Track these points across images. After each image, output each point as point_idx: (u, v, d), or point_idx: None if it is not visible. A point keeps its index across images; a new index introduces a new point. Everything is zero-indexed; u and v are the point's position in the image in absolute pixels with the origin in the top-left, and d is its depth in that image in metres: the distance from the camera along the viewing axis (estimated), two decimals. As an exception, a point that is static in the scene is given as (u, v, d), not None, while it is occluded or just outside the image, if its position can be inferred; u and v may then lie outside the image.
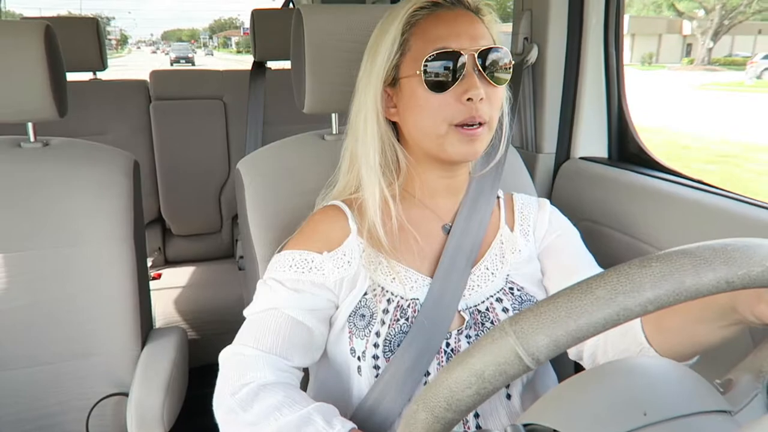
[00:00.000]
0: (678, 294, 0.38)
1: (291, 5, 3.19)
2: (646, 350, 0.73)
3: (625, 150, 1.36)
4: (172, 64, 34.58)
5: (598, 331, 0.39)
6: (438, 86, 0.76)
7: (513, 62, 0.80)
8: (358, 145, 0.83)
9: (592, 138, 1.38)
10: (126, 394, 1.08)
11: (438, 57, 0.75)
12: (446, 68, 0.75)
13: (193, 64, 35.43)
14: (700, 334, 0.67)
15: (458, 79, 0.75)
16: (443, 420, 0.43)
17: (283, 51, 2.06)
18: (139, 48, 67.28)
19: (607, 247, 0.88)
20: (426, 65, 0.76)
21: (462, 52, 0.75)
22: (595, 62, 1.33)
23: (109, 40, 71.79)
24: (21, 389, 1.10)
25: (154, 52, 64.04)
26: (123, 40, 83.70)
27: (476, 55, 0.76)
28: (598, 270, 0.86)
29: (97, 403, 1.10)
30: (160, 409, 1.02)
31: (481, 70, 0.76)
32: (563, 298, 0.40)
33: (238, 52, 68.52)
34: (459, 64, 0.75)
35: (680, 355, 0.71)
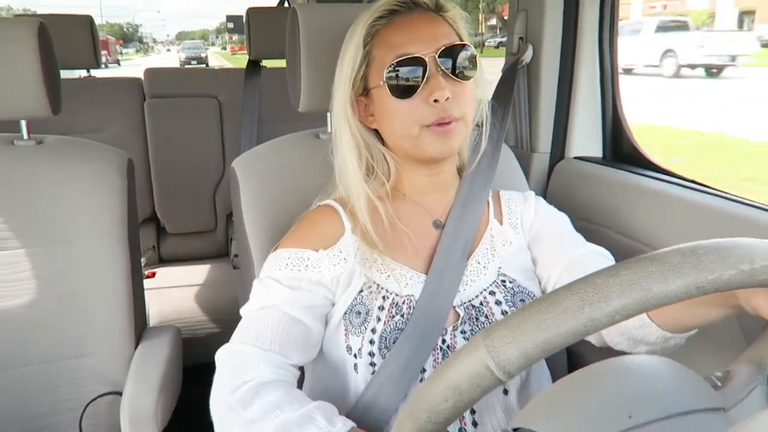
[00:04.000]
0: (645, 302, 0.38)
1: (286, 4, 3.18)
2: (646, 325, 0.74)
3: (620, 150, 1.36)
4: (182, 66, 27.75)
5: (568, 342, 0.40)
6: (403, 93, 0.77)
7: (477, 55, 0.80)
8: (338, 154, 0.85)
9: (586, 138, 1.38)
10: (119, 393, 1.07)
11: (399, 64, 0.77)
12: (409, 75, 0.77)
13: (207, 65, 28.77)
14: (701, 312, 0.68)
15: (422, 83, 0.76)
16: (425, 431, 0.44)
17: (279, 50, 2.06)
18: (169, 50, 68.96)
19: (602, 246, 0.89)
20: (388, 75, 0.77)
21: (422, 56, 0.76)
22: (589, 62, 1.33)
23: (145, 42, 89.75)
24: (13, 389, 1.09)
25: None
26: (154, 41, 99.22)
27: (437, 56, 0.76)
28: (587, 248, 0.86)
29: (90, 402, 1.09)
30: (154, 407, 1.01)
31: (444, 70, 0.77)
32: (532, 311, 0.41)
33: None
34: (421, 69, 0.76)
35: (680, 329, 0.72)
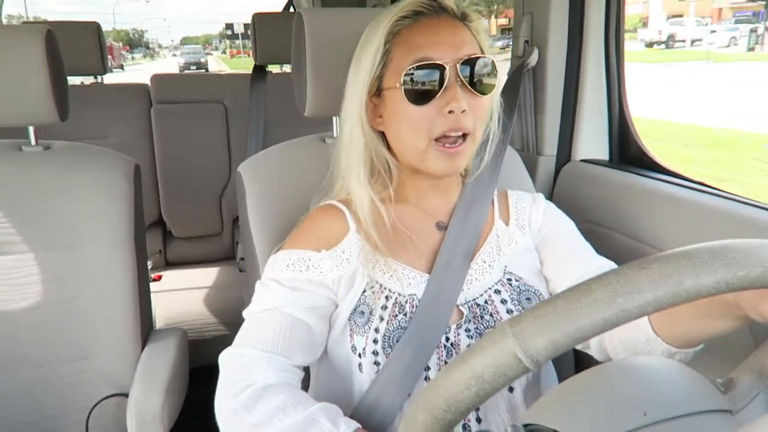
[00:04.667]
0: (677, 296, 0.38)
1: (291, 9, 3.20)
2: (652, 339, 0.72)
3: (626, 152, 1.36)
4: (181, 71, 26.21)
5: (597, 332, 0.39)
6: (419, 99, 0.75)
7: (497, 71, 0.79)
8: (344, 156, 0.84)
9: (592, 140, 1.38)
10: (126, 395, 1.08)
11: (418, 68, 0.74)
12: (427, 80, 0.74)
13: (207, 71, 27.25)
14: (706, 326, 0.67)
15: (440, 91, 0.74)
16: (443, 421, 0.44)
17: (284, 55, 2.07)
18: (174, 55, 69.81)
19: (609, 248, 0.89)
20: (406, 77, 0.75)
21: (443, 62, 0.74)
22: (595, 65, 1.33)
23: (151, 47, 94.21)
24: (21, 391, 1.10)
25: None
26: (159, 47, 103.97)
27: (458, 66, 0.75)
28: (595, 258, 0.86)
29: (97, 403, 1.10)
30: (160, 409, 1.02)
31: (463, 80, 0.75)
32: (563, 300, 0.40)
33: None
34: (440, 76, 0.74)
35: (685, 344, 0.71)
